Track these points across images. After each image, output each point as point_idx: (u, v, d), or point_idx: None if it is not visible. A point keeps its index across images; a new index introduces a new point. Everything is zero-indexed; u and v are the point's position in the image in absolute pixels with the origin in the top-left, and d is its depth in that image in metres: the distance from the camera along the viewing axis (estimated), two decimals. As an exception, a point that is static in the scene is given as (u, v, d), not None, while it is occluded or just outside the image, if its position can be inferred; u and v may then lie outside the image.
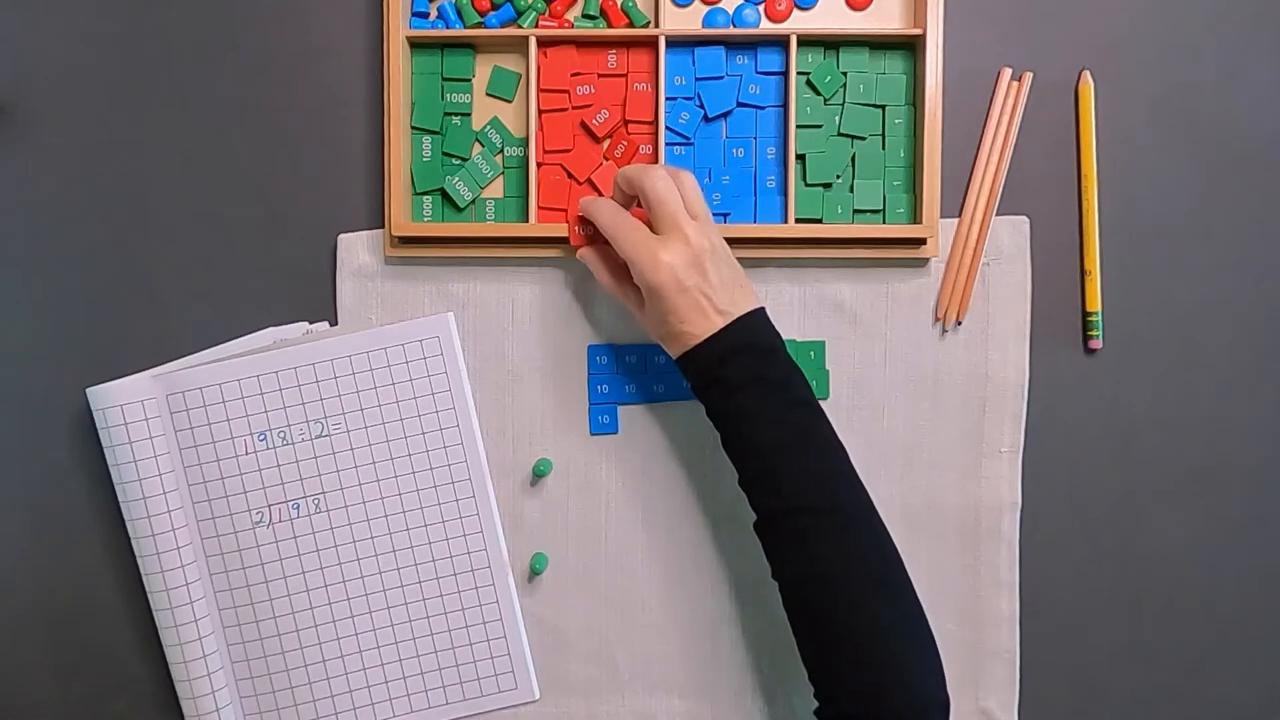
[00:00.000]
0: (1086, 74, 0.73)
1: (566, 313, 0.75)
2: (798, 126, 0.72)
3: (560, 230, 0.72)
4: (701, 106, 0.73)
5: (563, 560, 0.75)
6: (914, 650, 0.63)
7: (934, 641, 0.64)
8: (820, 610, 0.63)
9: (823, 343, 0.74)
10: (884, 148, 0.73)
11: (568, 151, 0.73)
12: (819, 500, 0.63)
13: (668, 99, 0.72)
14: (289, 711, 0.74)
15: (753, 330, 0.65)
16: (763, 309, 0.66)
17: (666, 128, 0.73)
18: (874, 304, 0.74)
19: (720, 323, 0.64)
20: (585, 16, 0.73)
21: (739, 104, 0.73)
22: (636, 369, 0.75)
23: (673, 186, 0.66)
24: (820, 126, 0.73)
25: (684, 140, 0.73)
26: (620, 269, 0.69)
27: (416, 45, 0.74)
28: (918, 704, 0.62)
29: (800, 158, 0.73)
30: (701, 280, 0.64)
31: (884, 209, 0.73)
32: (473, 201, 0.74)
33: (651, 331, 0.68)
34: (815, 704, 0.64)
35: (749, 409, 0.64)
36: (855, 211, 0.73)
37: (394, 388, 0.74)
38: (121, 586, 0.75)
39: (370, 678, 0.75)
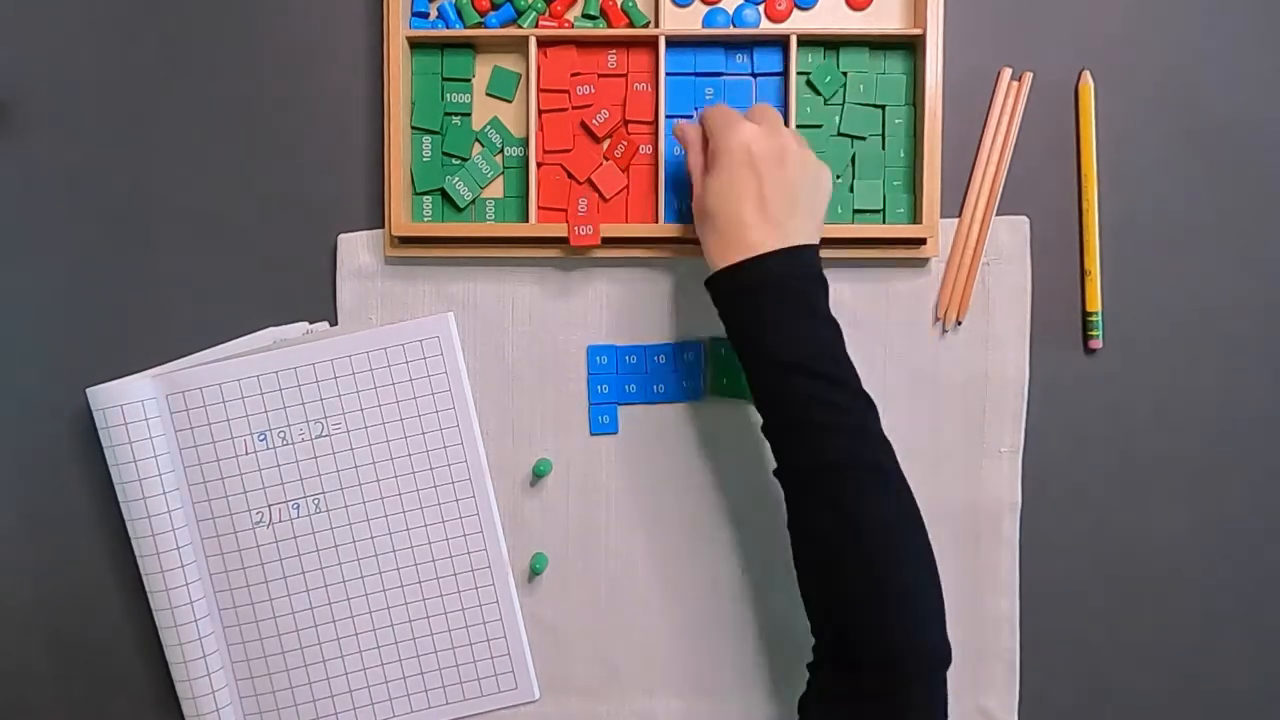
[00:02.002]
0: (1086, 74, 0.73)
1: (566, 313, 0.75)
2: (798, 126, 0.72)
3: (560, 230, 0.72)
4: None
5: (563, 560, 0.75)
6: (925, 598, 0.61)
7: (941, 595, 0.62)
8: (836, 555, 0.61)
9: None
10: (884, 148, 0.73)
11: (568, 151, 0.73)
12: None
13: (668, 117, 0.72)
14: (289, 711, 0.74)
15: (805, 262, 0.62)
16: (818, 245, 0.63)
17: (667, 116, 0.73)
18: (874, 304, 0.74)
19: (778, 239, 0.61)
20: (585, 16, 0.73)
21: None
22: (636, 369, 0.75)
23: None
24: (820, 126, 0.73)
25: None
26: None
27: (416, 45, 0.74)
28: (920, 651, 0.60)
29: (800, 158, 0.73)
30: (774, 171, 0.61)
31: (884, 209, 0.73)
32: (473, 201, 0.74)
33: (698, 215, 0.64)
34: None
35: (801, 339, 0.62)
36: (855, 211, 0.73)
37: (394, 388, 0.74)
38: (121, 586, 0.75)
39: (370, 678, 0.75)
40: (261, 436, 0.73)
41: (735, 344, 0.64)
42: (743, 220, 0.62)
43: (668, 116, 0.73)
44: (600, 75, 0.73)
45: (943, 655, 0.61)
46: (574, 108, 0.73)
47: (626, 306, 0.74)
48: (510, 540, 0.75)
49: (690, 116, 0.73)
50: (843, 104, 0.73)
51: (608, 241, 0.73)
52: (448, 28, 0.73)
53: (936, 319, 0.74)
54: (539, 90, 0.73)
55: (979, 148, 0.74)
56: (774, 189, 0.62)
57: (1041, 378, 0.74)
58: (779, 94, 0.73)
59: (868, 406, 0.63)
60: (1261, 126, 0.74)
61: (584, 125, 0.73)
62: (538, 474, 0.75)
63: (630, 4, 0.73)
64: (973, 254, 0.73)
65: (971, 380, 0.74)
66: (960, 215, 0.74)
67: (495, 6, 0.73)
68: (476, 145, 0.74)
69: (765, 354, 0.62)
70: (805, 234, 0.63)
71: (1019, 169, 0.74)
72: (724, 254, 0.62)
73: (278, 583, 0.74)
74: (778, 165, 0.62)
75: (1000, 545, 0.74)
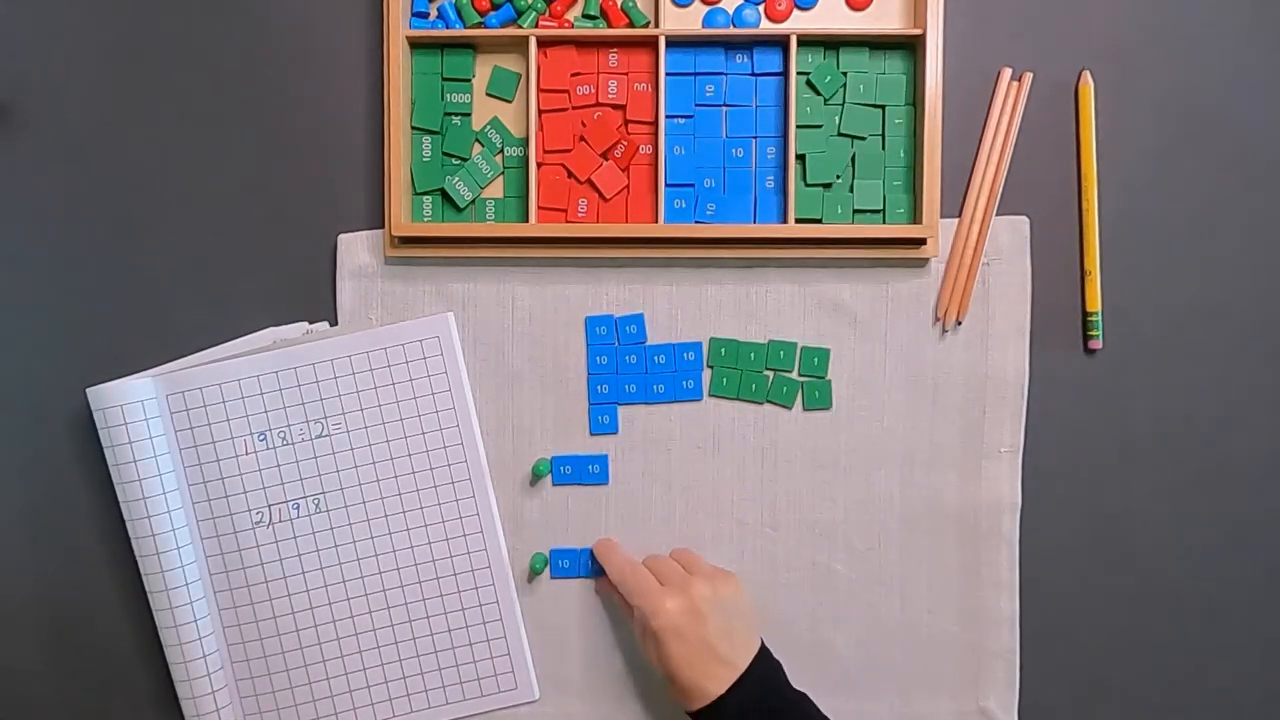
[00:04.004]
0: (1086, 74, 0.73)
1: (566, 313, 0.75)
2: (798, 126, 0.72)
3: (560, 230, 0.72)
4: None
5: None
6: None
7: None
8: None
9: (827, 350, 0.74)
10: (884, 148, 0.73)
11: (568, 151, 0.73)
12: None
13: (668, 117, 0.72)
14: (289, 711, 0.74)
15: (760, 683, 0.66)
16: (763, 648, 0.67)
17: (667, 116, 0.73)
18: (874, 304, 0.74)
19: (726, 677, 0.65)
20: (585, 16, 0.73)
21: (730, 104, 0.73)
22: (636, 369, 0.75)
23: (671, 560, 0.71)
24: (820, 126, 0.73)
25: (685, 126, 0.73)
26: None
27: (416, 45, 0.74)
28: None
29: (800, 158, 0.73)
30: (700, 628, 0.66)
31: (884, 209, 0.73)
32: (473, 201, 0.74)
33: (663, 674, 0.68)
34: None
35: None
36: (855, 211, 0.73)
37: (394, 388, 0.74)
38: (121, 586, 0.75)
39: (370, 678, 0.75)
40: (261, 436, 0.73)
41: None
42: (692, 681, 0.65)
43: (668, 117, 0.73)
44: (600, 75, 0.73)
45: None
46: (574, 108, 0.73)
47: (627, 306, 0.74)
48: (510, 540, 0.75)
49: (691, 117, 0.73)
50: (843, 104, 0.73)
51: (608, 241, 0.73)
52: (448, 28, 0.73)
53: (936, 319, 0.74)
54: (539, 90, 0.73)
55: (979, 148, 0.74)
56: (706, 643, 0.65)
57: (1041, 378, 0.74)
58: (779, 94, 0.73)
59: None
60: (1261, 126, 0.74)
61: (584, 125, 0.73)
62: (538, 474, 0.75)
63: (630, 4, 0.73)
64: (973, 254, 0.73)
65: (971, 380, 0.74)
66: (960, 215, 0.74)
67: (495, 6, 0.73)
68: (476, 145, 0.74)
69: None
70: (747, 650, 0.66)
71: (1019, 169, 0.74)
72: (689, 703, 0.66)
73: (278, 583, 0.74)
74: (699, 624, 0.66)
75: (1000, 545, 0.74)
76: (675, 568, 0.70)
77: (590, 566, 0.75)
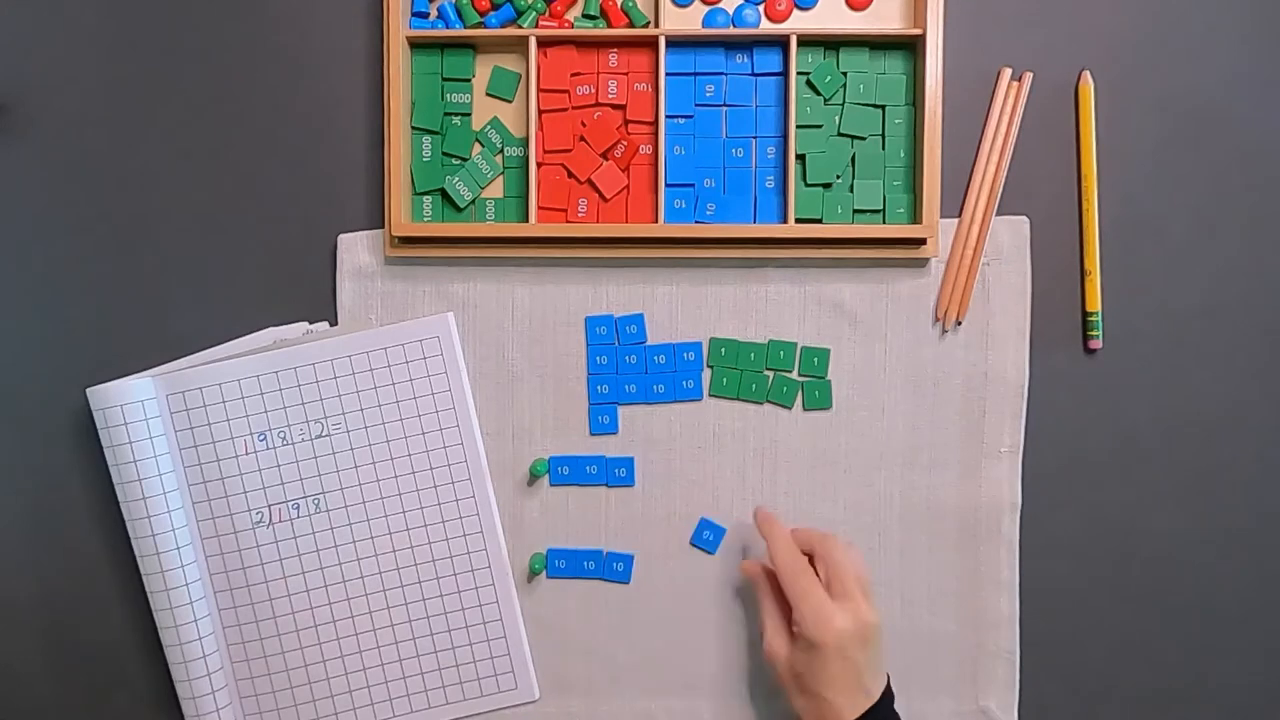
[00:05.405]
0: (1086, 74, 0.73)
1: (566, 313, 0.75)
2: (798, 126, 0.72)
3: (560, 230, 0.72)
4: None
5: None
6: None
7: None
8: None
9: (827, 350, 0.74)
10: (884, 148, 0.73)
11: (568, 151, 0.73)
12: None
13: (668, 117, 0.72)
14: (289, 711, 0.74)
15: (887, 713, 0.66)
16: (889, 682, 0.67)
17: (667, 116, 0.73)
18: (874, 304, 0.74)
19: (862, 705, 0.65)
20: (585, 16, 0.73)
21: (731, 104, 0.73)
22: (636, 369, 0.75)
23: (846, 561, 0.67)
24: (820, 126, 0.73)
25: (685, 126, 0.73)
26: (778, 597, 0.69)
27: (416, 45, 0.74)
28: None
29: (800, 158, 0.73)
30: (860, 653, 0.65)
31: (884, 209, 0.73)
32: (473, 201, 0.74)
33: (785, 680, 0.67)
34: None
35: None
36: (855, 211, 0.73)
37: (394, 388, 0.74)
38: (121, 586, 0.75)
39: (370, 678, 0.75)
40: (261, 436, 0.73)
41: None
42: (834, 700, 0.65)
43: (668, 117, 0.73)
44: (600, 75, 0.73)
45: None
46: (574, 108, 0.73)
47: (627, 306, 0.74)
48: (510, 540, 0.75)
49: (691, 117, 0.73)
50: (843, 104, 0.73)
51: (608, 241, 0.73)
52: (448, 28, 0.73)
53: (936, 319, 0.74)
54: (539, 90, 0.73)
55: (979, 148, 0.74)
56: (859, 670, 0.65)
57: (1041, 378, 0.74)
58: (779, 94, 0.73)
59: None
60: (1261, 126, 0.74)
61: (584, 125, 0.73)
62: (535, 474, 0.75)
63: (630, 4, 0.73)
64: (973, 254, 0.73)
65: (971, 380, 0.74)
66: (960, 215, 0.74)
67: (495, 6, 0.73)
68: (476, 145, 0.74)
69: None
70: (879, 683, 0.67)
71: (1019, 169, 0.74)
72: (816, 716, 0.66)
73: (278, 583, 0.74)
74: (863, 648, 0.65)
75: (1000, 545, 0.74)
76: (850, 579, 0.67)
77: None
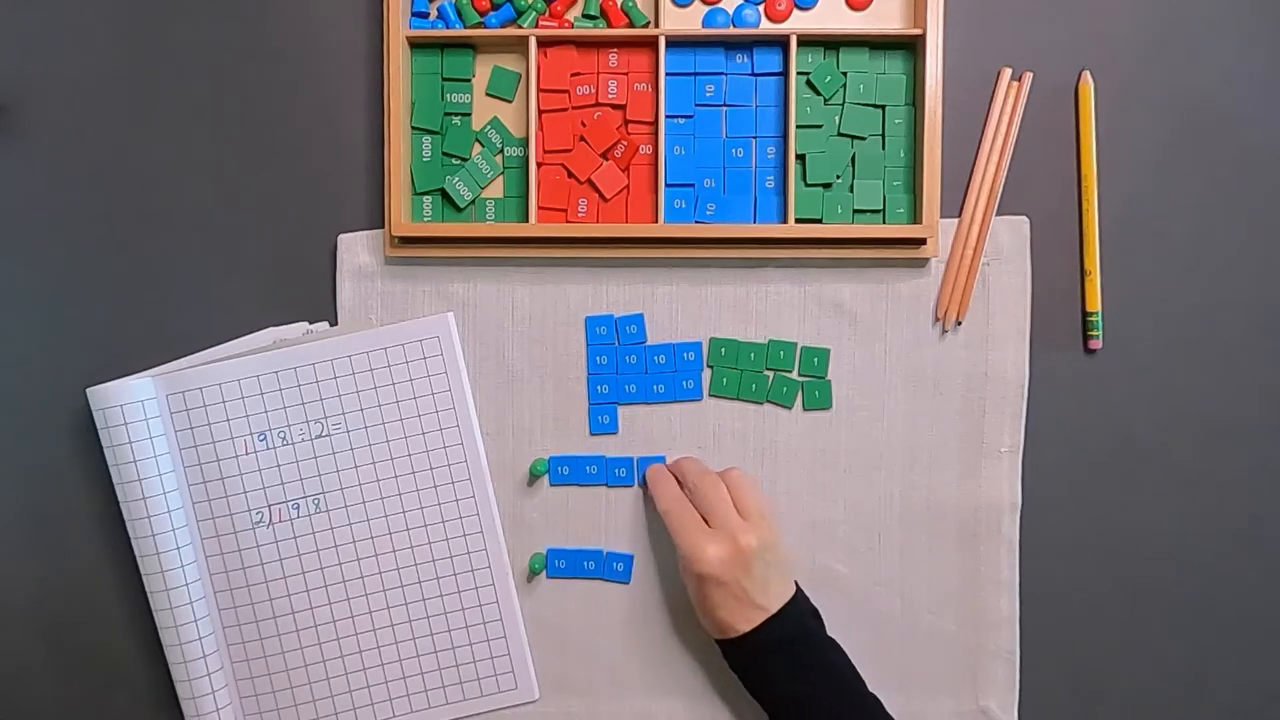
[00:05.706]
0: (1086, 74, 0.73)
1: (566, 313, 0.75)
2: (798, 126, 0.72)
3: (560, 230, 0.72)
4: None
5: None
6: None
7: None
8: None
9: (827, 350, 0.74)
10: (884, 148, 0.73)
11: (568, 151, 0.73)
12: None
13: (668, 117, 0.72)
14: (289, 711, 0.74)
15: (788, 623, 0.68)
16: (797, 593, 0.69)
17: (667, 116, 0.73)
18: (874, 304, 0.74)
19: (757, 618, 0.67)
20: (585, 16, 0.73)
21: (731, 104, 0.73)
22: (636, 369, 0.75)
23: (723, 490, 0.70)
24: (820, 126, 0.73)
25: (685, 126, 0.73)
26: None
27: (416, 45, 0.74)
28: None
29: (800, 158, 0.73)
30: (743, 576, 0.67)
31: (884, 209, 0.73)
32: (473, 201, 0.74)
33: (696, 606, 0.70)
34: None
35: (796, 694, 0.68)
36: (855, 211, 0.73)
37: (394, 388, 0.74)
38: (121, 586, 0.75)
39: (370, 678, 0.75)
40: (261, 436, 0.73)
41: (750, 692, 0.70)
42: (724, 620, 0.68)
43: (668, 117, 0.73)
44: (600, 75, 0.73)
45: None
46: (574, 108, 0.73)
47: (627, 306, 0.74)
48: (510, 540, 0.75)
49: (691, 117, 0.73)
50: (843, 104, 0.73)
51: (608, 241, 0.73)
52: (448, 28, 0.73)
53: (936, 319, 0.74)
54: (539, 90, 0.73)
55: (979, 148, 0.74)
56: (744, 591, 0.67)
57: (1041, 378, 0.74)
58: (779, 94, 0.73)
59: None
60: (1261, 126, 0.74)
61: (584, 125, 0.73)
62: (535, 474, 0.75)
63: (630, 4, 0.73)
64: (973, 254, 0.73)
65: (971, 380, 0.74)
66: (960, 215, 0.74)
67: (495, 6, 0.73)
68: (476, 145, 0.74)
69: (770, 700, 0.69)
70: (780, 598, 0.68)
71: (1019, 169, 0.74)
72: (717, 635, 0.70)
73: (278, 583, 0.74)
74: (740, 573, 0.67)
75: (1000, 545, 0.74)
76: (725, 507, 0.69)
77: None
